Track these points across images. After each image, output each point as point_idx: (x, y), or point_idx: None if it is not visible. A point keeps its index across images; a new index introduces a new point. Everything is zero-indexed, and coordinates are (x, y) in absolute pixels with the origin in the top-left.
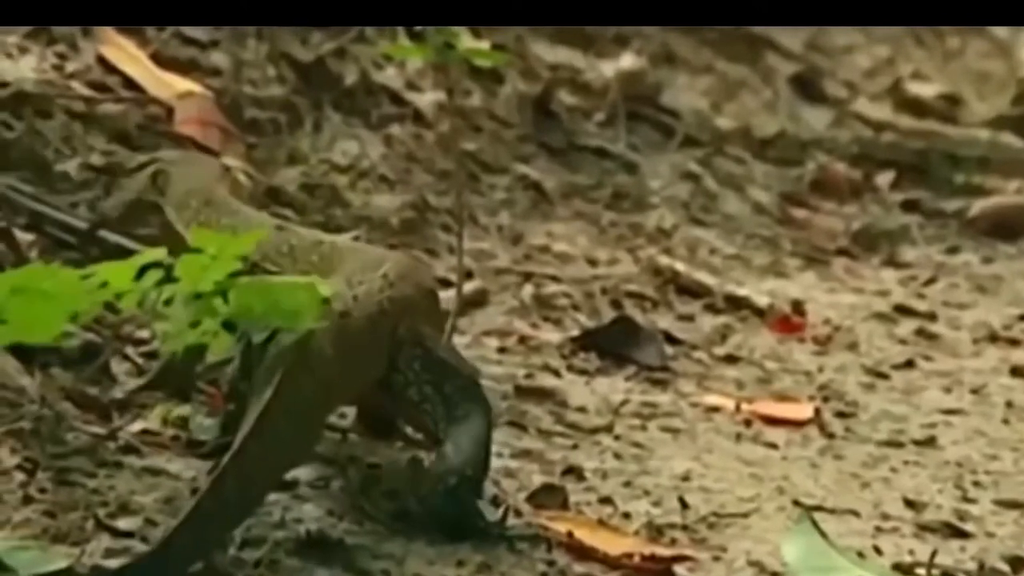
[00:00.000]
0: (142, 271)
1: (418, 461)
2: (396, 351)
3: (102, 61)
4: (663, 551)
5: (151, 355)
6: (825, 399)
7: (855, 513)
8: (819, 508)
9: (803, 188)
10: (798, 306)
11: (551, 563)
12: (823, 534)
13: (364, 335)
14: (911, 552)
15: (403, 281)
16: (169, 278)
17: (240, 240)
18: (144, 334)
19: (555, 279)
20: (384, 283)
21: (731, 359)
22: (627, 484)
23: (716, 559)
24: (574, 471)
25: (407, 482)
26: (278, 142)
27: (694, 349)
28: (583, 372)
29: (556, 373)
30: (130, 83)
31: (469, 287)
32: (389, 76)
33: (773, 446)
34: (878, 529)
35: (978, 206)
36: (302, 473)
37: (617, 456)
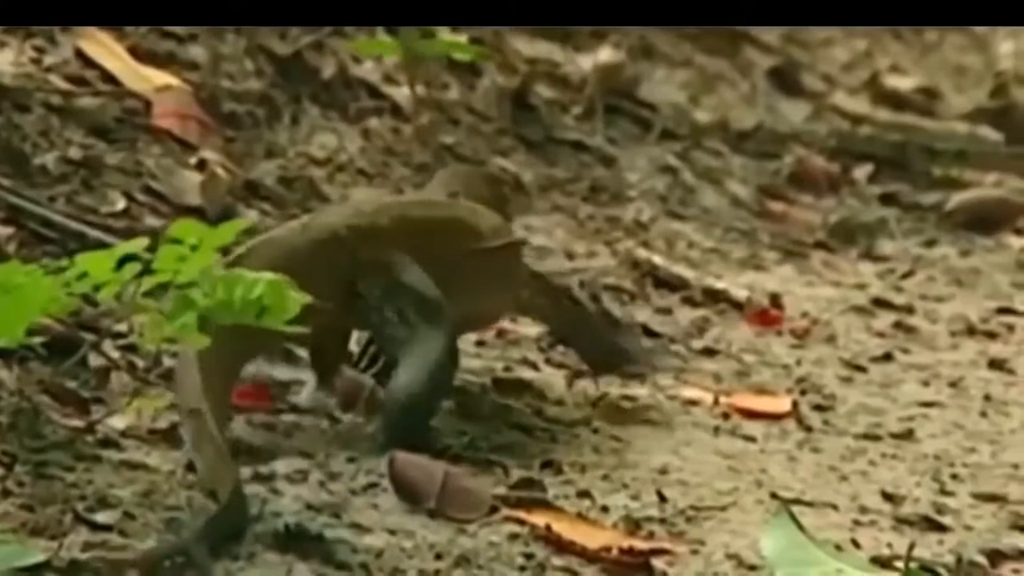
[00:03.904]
0: (120, 263)
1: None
2: (356, 276)
3: (80, 55)
4: (641, 544)
5: (129, 348)
6: (803, 392)
7: (833, 506)
8: (797, 501)
9: (781, 181)
10: (776, 299)
11: (529, 556)
12: (801, 527)
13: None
14: (889, 545)
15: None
16: (147, 270)
17: (219, 231)
18: (122, 327)
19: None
20: (348, 213)
21: (709, 352)
22: (605, 477)
23: (694, 552)
24: (552, 464)
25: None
26: (256, 136)
27: (672, 342)
28: (561, 366)
29: (534, 366)
30: (108, 77)
31: None
32: (367, 70)
33: (751, 439)
34: (856, 522)
35: (956, 199)
36: (280, 466)
37: (595, 449)
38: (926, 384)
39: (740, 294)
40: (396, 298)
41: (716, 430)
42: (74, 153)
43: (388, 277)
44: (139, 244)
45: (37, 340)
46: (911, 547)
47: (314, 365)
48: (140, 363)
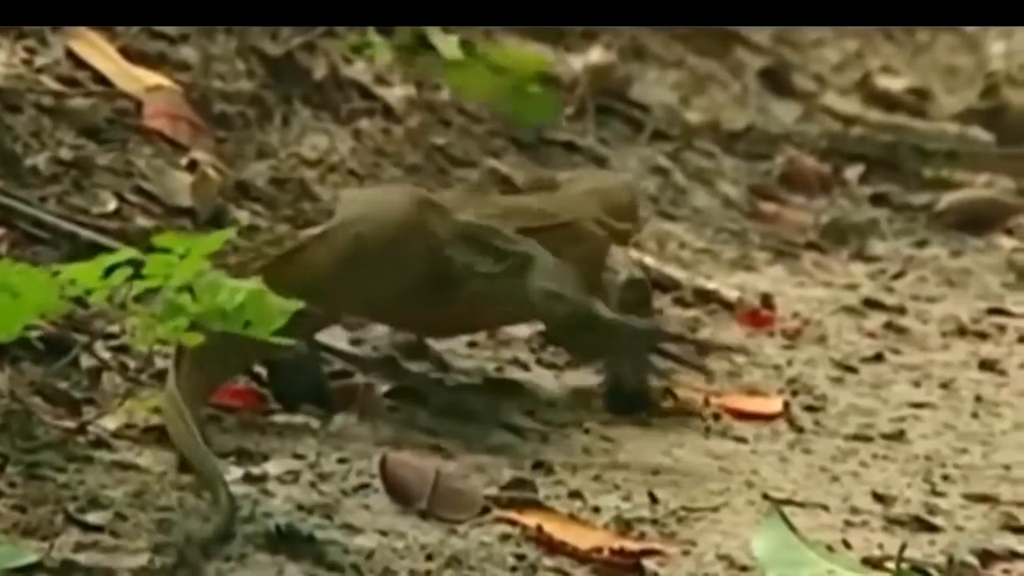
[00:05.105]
0: (110, 270)
1: None
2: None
3: (71, 55)
4: (632, 545)
5: (120, 349)
6: (794, 393)
7: (824, 507)
8: (788, 502)
9: (772, 182)
10: (767, 300)
11: (521, 557)
12: (792, 528)
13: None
14: (880, 546)
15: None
16: (138, 275)
17: (207, 240)
18: (114, 329)
19: None
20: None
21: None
22: (596, 478)
23: (685, 553)
24: (543, 465)
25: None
26: (247, 136)
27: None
28: (552, 366)
29: (525, 367)
30: (99, 77)
31: None
32: (358, 70)
33: (742, 440)
34: (847, 523)
35: (947, 200)
36: (271, 467)
37: (586, 450)
38: (917, 385)
39: (731, 295)
40: (486, 247)
41: (707, 431)
42: (65, 154)
43: (467, 229)
44: (126, 255)
45: (33, 334)
46: (902, 548)
47: (275, 387)
48: (132, 364)
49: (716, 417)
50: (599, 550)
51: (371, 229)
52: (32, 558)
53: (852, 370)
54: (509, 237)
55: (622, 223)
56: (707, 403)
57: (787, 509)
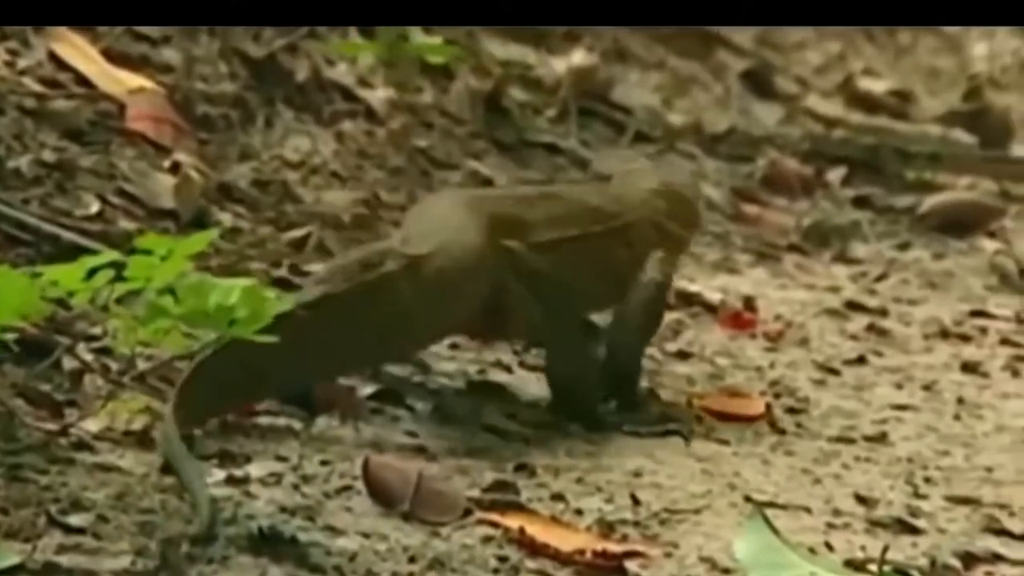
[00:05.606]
0: (92, 272)
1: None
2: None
3: (53, 57)
4: (615, 547)
5: (103, 351)
6: (776, 395)
7: (806, 509)
8: (770, 504)
9: (754, 184)
10: (749, 302)
11: (503, 559)
12: (774, 530)
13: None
14: (863, 548)
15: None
16: (120, 276)
17: (190, 241)
18: (96, 331)
19: None
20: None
21: (682, 355)
22: (579, 480)
23: (668, 555)
24: (526, 467)
25: None
26: (230, 138)
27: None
28: (535, 368)
29: (508, 369)
30: (82, 79)
31: None
32: (341, 72)
33: (724, 442)
34: (829, 525)
35: (929, 202)
36: (254, 469)
37: (569, 452)
38: (899, 387)
39: (714, 297)
40: (538, 294)
41: (689, 433)
42: (48, 156)
43: (515, 260)
44: (108, 257)
45: (10, 337)
46: (885, 550)
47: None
48: (114, 366)
49: (699, 419)
50: (581, 552)
51: (452, 263)
52: (14, 560)
53: (834, 372)
54: (560, 281)
55: (683, 229)
56: (690, 405)
57: (769, 511)
